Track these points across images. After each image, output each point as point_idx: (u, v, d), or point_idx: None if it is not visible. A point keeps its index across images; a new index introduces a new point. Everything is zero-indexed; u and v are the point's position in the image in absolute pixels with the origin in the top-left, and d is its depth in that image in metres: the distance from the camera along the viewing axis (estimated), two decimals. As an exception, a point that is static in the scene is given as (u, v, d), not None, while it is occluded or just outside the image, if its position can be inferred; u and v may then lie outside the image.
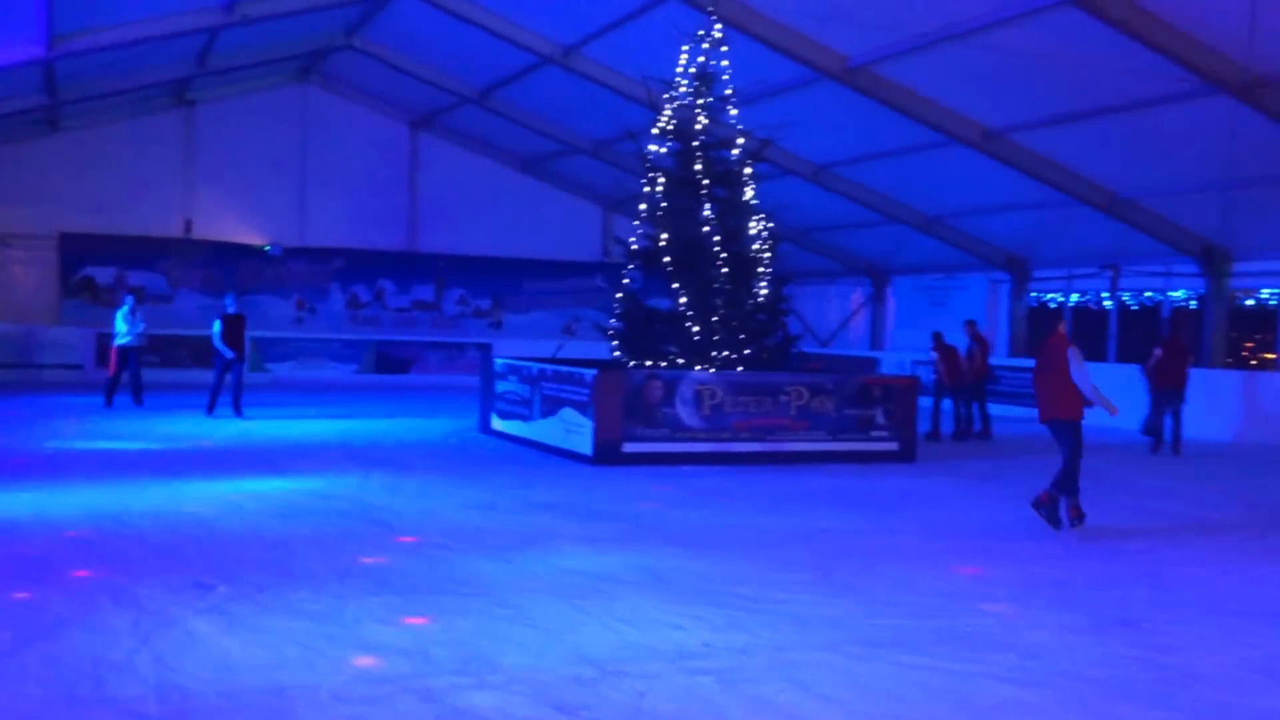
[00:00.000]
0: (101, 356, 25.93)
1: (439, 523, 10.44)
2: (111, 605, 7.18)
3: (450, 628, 6.93)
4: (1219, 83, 15.97)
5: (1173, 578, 8.99)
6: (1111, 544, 10.39)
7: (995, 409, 23.82)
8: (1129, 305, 24.75)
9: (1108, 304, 24.95)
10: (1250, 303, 22.49)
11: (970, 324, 20.42)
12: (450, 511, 11.05)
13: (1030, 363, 23.84)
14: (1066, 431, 10.94)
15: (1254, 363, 22.95)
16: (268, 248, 29.89)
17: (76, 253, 28.17)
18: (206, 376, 21.51)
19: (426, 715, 5.46)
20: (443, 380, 30.09)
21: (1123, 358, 23.50)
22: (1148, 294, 24.31)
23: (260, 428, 17.94)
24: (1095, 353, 23.62)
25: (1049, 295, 26.57)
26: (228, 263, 29.40)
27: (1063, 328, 11.44)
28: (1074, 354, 10.85)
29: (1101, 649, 6.91)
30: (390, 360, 30.45)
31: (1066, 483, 10.83)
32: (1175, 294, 23.66)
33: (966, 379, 19.76)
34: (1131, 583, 8.74)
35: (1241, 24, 14.61)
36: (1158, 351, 18.48)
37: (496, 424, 17.95)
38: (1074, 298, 25.99)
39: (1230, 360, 22.62)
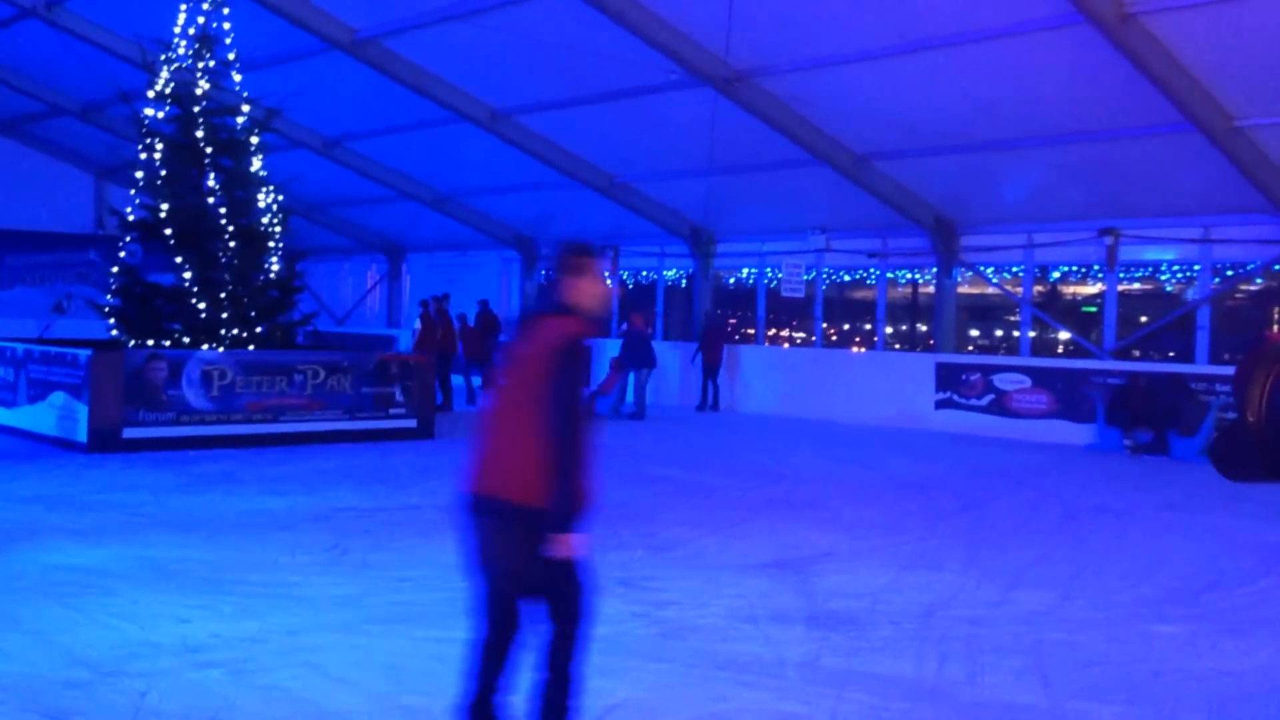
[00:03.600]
0: None
1: (-98, 524, 9.33)
2: None
3: (-83, 639, 6.23)
4: (703, 76, 17.22)
5: (668, 538, 9.64)
6: (612, 510, 10.96)
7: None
8: (628, 284, 26.21)
9: (609, 282, 26.30)
10: (732, 281, 24.49)
11: (434, 300, 21.89)
12: (-85, 510, 9.92)
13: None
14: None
15: (737, 337, 24.97)
16: None
17: None
18: None
19: (-112, 740, 4.89)
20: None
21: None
22: (645, 273, 25.86)
23: None
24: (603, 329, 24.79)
25: (557, 273, 27.56)
26: None
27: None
28: None
29: (607, 608, 7.24)
30: None
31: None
32: (669, 273, 25.32)
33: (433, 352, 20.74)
34: (631, 545, 9.28)
35: (722, 22, 15.83)
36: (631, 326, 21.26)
37: (-28, 412, 16.26)
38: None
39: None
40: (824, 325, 22.99)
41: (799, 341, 24.03)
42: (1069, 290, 20.41)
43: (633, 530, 9.92)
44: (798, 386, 21.08)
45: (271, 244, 16.23)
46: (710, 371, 21.93)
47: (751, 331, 24.31)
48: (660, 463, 14.49)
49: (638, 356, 20.18)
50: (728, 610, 7.33)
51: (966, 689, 5.97)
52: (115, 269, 16.17)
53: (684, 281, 25.05)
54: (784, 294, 22.17)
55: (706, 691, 5.78)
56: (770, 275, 23.32)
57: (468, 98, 20.56)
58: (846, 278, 22.66)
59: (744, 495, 12.08)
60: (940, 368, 19.49)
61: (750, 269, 23.89)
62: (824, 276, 22.59)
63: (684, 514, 10.88)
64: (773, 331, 24.32)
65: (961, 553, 9.39)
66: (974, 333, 22.13)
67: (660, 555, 8.97)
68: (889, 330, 22.26)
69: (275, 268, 16.29)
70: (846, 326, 23.25)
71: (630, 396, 20.38)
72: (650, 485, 12.61)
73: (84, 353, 14.00)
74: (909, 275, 21.96)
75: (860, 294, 22.87)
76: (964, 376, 19.17)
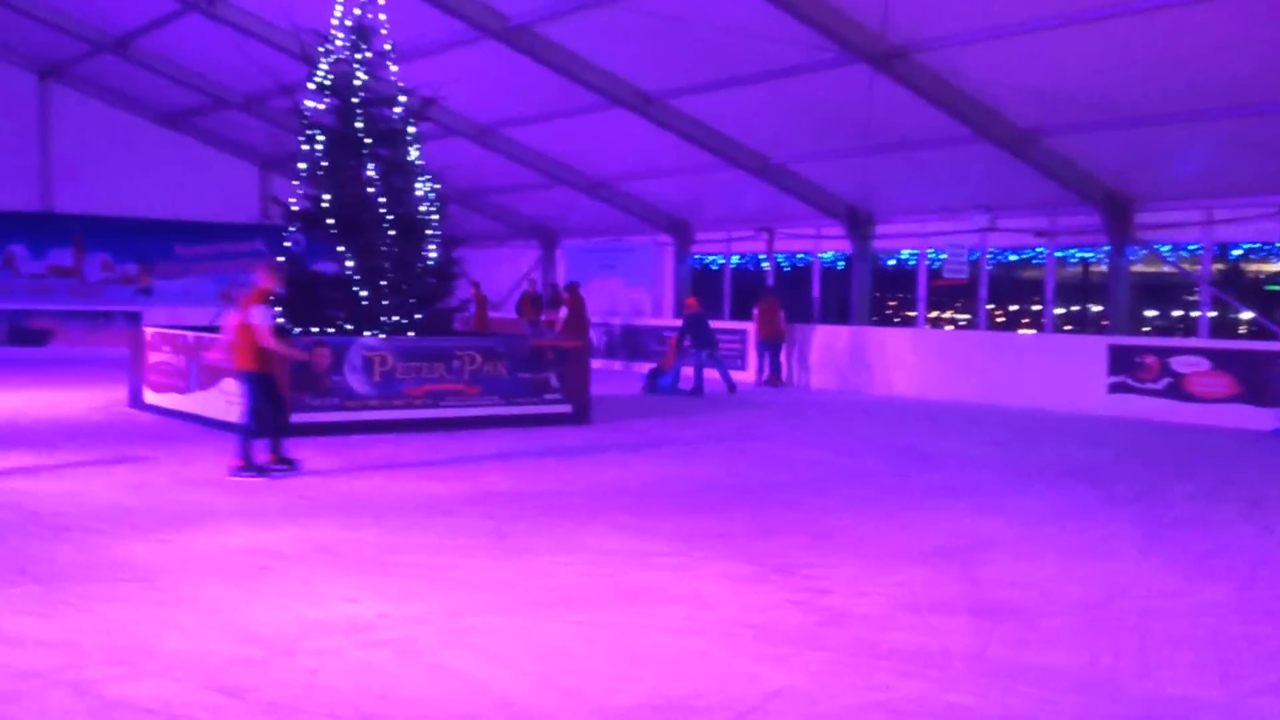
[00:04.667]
0: None
1: (86, 505, 9.73)
2: None
3: (103, 616, 6.48)
4: (857, 52, 16.87)
5: (826, 525, 9.46)
6: (765, 493, 10.86)
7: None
8: (784, 267, 25.91)
9: (765, 265, 26.04)
10: (891, 263, 24.00)
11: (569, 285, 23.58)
12: (99, 491, 10.34)
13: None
14: None
15: (897, 320, 24.53)
16: None
17: None
18: None
19: (78, 709, 5.08)
20: (87, 353, 27.80)
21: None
22: (800, 255, 25.53)
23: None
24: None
25: (710, 257, 27.49)
26: None
27: None
28: None
29: (764, 595, 7.19)
30: (25, 332, 28.12)
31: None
32: (825, 255, 24.94)
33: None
34: (790, 531, 9.14)
35: (879, -4, 15.48)
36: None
37: (150, 397, 16.90)
38: (734, 259, 27.00)
39: (876, 318, 24.14)
40: (990, 306, 22.37)
41: (962, 324, 23.45)
42: (1251, 269, 19.50)
43: (791, 516, 9.79)
44: (962, 370, 20.54)
45: (429, 232, 16.45)
46: (767, 346, 22.72)
47: (913, 314, 23.81)
48: (806, 445, 14.30)
49: (698, 337, 21.26)
50: (889, 599, 7.15)
51: (1140, 682, 5.72)
52: (280, 258, 16.58)
53: (841, 264, 24.63)
54: (945, 275, 21.64)
55: (868, 680, 5.64)
56: (931, 256, 22.76)
57: (620, 82, 20.57)
58: (1013, 258, 22.01)
59: (904, 481, 11.81)
60: (1114, 350, 18.77)
61: (911, 250, 23.36)
62: (988, 257, 21.98)
63: (843, 499, 10.68)
64: (934, 314, 23.77)
65: (1134, 541, 9.03)
66: (1150, 313, 21.29)
67: (819, 542, 8.81)
68: (1059, 311, 21.53)
69: (433, 255, 16.52)
70: (1014, 308, 22.58)
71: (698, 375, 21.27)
72: (806, 469, 12.44)
73: (253, 340, 14.37)
74: (1079, 254, 21.21)
75: (1028, 274, 22.19)
76: (1137, 359, 18.42)
